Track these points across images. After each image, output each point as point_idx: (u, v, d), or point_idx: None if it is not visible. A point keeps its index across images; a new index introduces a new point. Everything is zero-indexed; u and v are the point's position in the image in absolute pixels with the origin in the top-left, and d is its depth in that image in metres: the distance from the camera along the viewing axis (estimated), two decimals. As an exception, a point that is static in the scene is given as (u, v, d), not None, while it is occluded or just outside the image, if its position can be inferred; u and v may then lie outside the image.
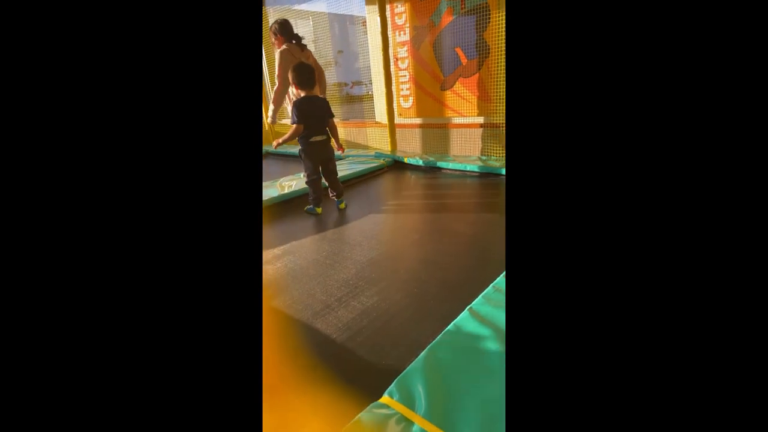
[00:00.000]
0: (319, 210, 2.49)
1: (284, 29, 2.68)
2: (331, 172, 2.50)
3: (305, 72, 2.25)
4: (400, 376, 0.94)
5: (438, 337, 1.07)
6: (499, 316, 1.13)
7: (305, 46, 2.77)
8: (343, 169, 3.23)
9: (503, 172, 2.97)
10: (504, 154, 3.29)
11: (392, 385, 0.92)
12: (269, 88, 2.96)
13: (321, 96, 2.39)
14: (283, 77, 2.62)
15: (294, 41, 2.70)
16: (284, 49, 2.64)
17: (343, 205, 2.56)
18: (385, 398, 0.89)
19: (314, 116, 2.30)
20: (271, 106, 2.81)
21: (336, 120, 2.53)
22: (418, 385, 0.90)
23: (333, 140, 2.47)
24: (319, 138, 2.35)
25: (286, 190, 2.78)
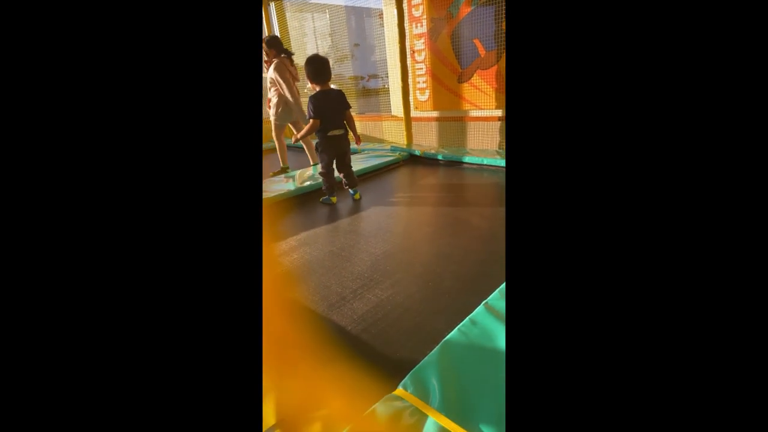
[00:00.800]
0: (333, 199, 2.50)
1: (275, 43, 3.01)
2: (346, 165, 2.49)
3: (319, 65, 2.23)
4: (415, 368, 0.94)
5: (453, 331, 1.06)
6: (516, 311, 1.11)
7: (293, 60, 3.13)
8: (358, 163, 3.23)
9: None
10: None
11: (406, 378, 0.92)
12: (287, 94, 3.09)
13: (336, 88, 2.40)
14: (287, 82, 2.95)
15: (284, 55, 3.02)
16: (278, 62, 2.95)
17: (357, 195, 2.56)
18: (399, 390, 0.89)
19: (331, 109, 2.28)
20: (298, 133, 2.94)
21: (352, 113, 2.52)
22: (433, 378, 0.90)
23: (351, 133, 2.47)
24: (336, 132, 2.34)
25: (304, 183, 2.80)
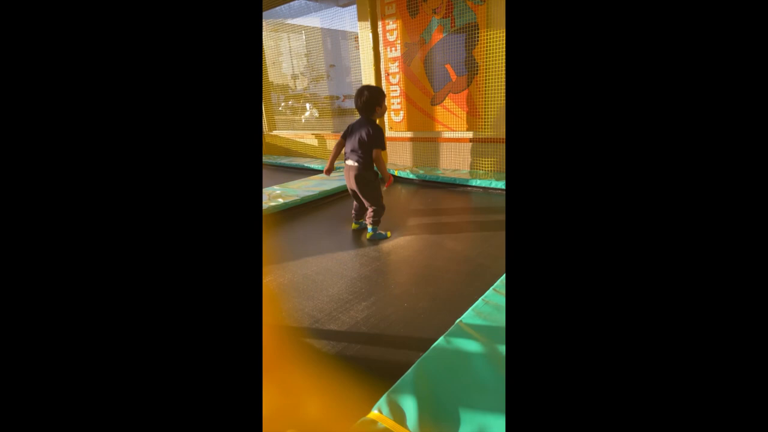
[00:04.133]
0: (353, 225, 2.37)
1: None
2: (359, 201, 2.26)
3: (356, 97, 2.10)
4: (390, 390, 0.94)
5: (428, 350, 1.07)
6: (489, 329, 1.13)
7: None
8: (332, 182, 3.24)
9: (493, 185, 3.01)
10: (491, 169, 3.34)
11: (381, 400, 0.91)
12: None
13: (366, 120, 2.11)
14: None
15: None
16: None
17: (368, 235, 2.22)
18: (373, 413, 0.88)
19: (351, 137, 2.08)
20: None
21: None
22: (408, 399, 0.90)
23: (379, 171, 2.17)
24: (348, 162, 2.12)
25: (280, 200, 2.77)
